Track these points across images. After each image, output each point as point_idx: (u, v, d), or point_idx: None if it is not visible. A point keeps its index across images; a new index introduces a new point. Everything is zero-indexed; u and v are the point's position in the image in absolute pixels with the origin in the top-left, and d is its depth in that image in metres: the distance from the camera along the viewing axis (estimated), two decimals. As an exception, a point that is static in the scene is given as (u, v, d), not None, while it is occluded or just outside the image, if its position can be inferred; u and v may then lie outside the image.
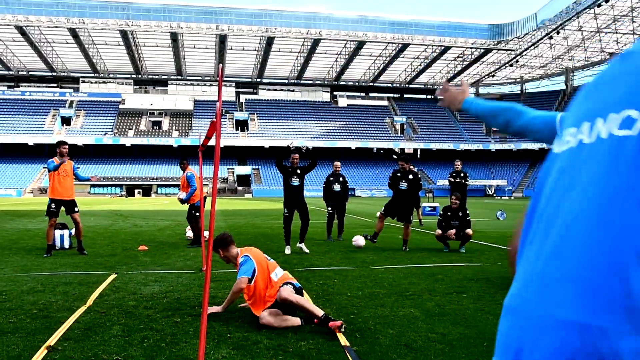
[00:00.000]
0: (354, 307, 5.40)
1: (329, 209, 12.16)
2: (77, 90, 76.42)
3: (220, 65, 3.47)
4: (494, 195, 66.21)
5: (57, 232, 9.96)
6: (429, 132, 77.33)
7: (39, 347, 3.99)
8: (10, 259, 8.68)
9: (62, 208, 9.27)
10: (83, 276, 7.07)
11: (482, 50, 69.82)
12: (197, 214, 10.67)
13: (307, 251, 9.63)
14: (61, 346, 4.04)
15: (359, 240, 10.42)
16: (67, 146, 9.40)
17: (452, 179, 14.73)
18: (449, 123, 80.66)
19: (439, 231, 10.08)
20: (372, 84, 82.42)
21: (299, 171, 9.92)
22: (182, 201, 10.78)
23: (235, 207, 31.66)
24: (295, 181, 9.83)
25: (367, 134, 75.47)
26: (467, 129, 79.07)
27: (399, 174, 10.31)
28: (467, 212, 10.11)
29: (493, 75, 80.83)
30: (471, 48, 68.99)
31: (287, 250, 9.62)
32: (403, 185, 10.19)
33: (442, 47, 68.11)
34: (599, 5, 55.73)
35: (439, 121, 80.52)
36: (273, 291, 4.88)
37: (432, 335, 4.42)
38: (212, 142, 5.48)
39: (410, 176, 10.27)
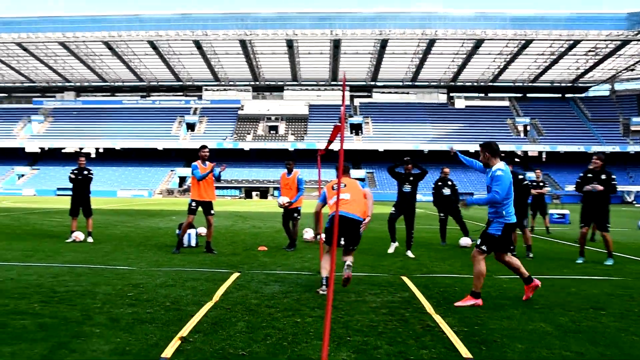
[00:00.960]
0: (477, 317, 5.19)
1: (441, 214, 12.13)
2: (200, 98, 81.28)
3: (343, 72, 3.54)
4: (634, 202, 60.64)
5: (188, 231, 10.61)
6: (555, 133, 72.20)
7: (172, 337, 4.26)
8: (145, 255, 9.39)
9: (200, 208, 9.80)
10: (209, 273, 7.45)
11: (618, 42, 63.01)
12: (299, 217, 10.72)
13: (413, 256, 9.59)
14: (192, 338, 4.28)
15: (463, 241, 10.88)
16: (207, 150, 10.05)
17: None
18: (579, 123, 74.56)
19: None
20: (491, 83, 78.80)
21: (411, 178, 10.15)
22: (285, 205, 10.26)
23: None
24: (407, 187, 10.00)
25: (487, 137, 71.76)
26: (600, 129, 72.34)
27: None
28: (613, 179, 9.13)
29: (632, 70, 72.87)
30: (605, 40, 62.65)
31: (391, 249, 9.69)
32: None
33: (571, 42, 62.95)
34: None
35: (567, 121, 74.70)
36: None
37: (567, 353, 4.10)
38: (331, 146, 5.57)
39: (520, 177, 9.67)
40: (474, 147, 69.56)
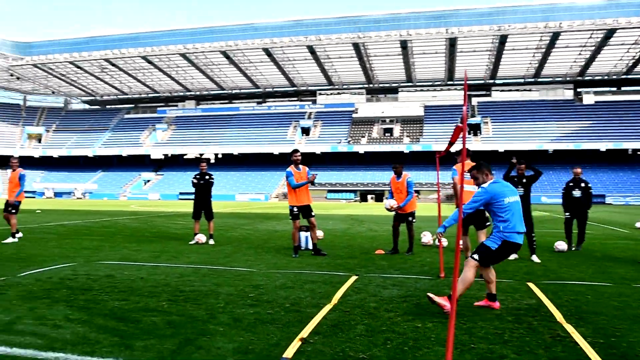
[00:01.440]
0: (614, 328, 4.78)
1: (567, 214, 11.48)
2: (314, 102, 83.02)
3: (465, 70, 3.36)
4: None
5: (302, 234, 10.78)
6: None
7: (293, 338, 4.31)
8: (264, 257, 9.66)
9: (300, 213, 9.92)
10: (327, 276, 7.49)
11: None
12: (414, 220, 10.36)
13: (539, 261, 9.16)
14: (312, 339, 4.31)
15: (560, 246, 10.57)
16: (299, 154, 10.15)
17: None
18: None
19: None
20: (625, 76, 72.38)
21: (524, 180, 9.82)
22: (393, 208, 10.03)
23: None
24: (520, 190, 9.52)
25: (620, 134, 66.33)
26: None
27: None
28: None
29: None
30: None
31: (513, 256, 9.13)
32: None
33: None
34: None
35: None
36: None
37: None
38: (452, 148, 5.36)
39: None
40: (605, 145, 64.64)
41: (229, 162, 77.03)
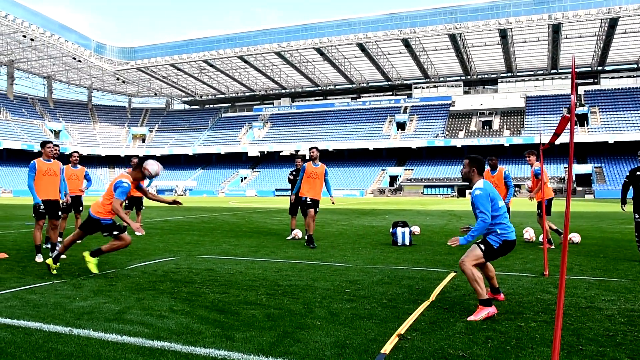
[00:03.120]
0: None
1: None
2: (410, 96, 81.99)
3: (573, 56, 3.15)
4: None
5: (399, 230, 10.69)
6: None
7: (390, 334, 4.29)
8: (360, 252, 9.68)
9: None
10: (425, 272, 7.37)
11: None
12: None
13: None
14: (410, 336, 4.26)
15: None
16: (315, 150, 11.14)
17: None
18: None
19: None
20: None
21: None
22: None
23: (576, 209, 29.18)
24: None
25: None
26: None
27: None
28: None
29: None
30: None
31: None
32: None
33: None
34: None
35: None
36: None
37: None
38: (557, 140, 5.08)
39: None
40: None
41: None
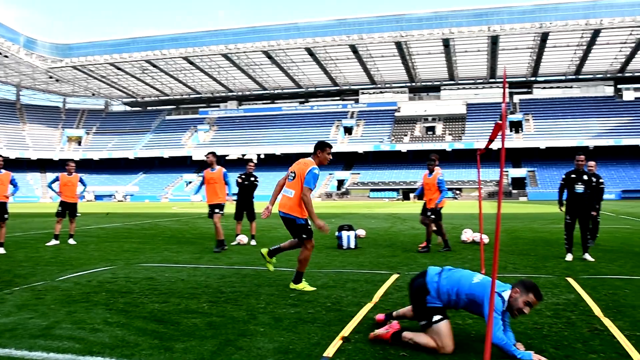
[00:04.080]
0: None
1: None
2: (357, 101, 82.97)
3: (504, 68, 3.30)
4: None
5: (345, 233, 10.78)
6: None
7: (334, 337, 4.32)
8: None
9: None
10: (369, 275, 7.48)
11: None
12: (434, 217, 10.17)
13: (592, 260, 8.84)
14: (353, 338, 4.31)
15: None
16: (210, 154, 11.21)
17: None
18: None
19: None
20: (666, 72, 70.47)
21: (585, 177, 9.12)
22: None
23: (511, 210, 30.34)
24: (579, 188, 9.02)
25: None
26: None
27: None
28: None
29: None
30: None
31: (569, 257, 8.90)
32: None
33: None
34: None
35: None
36: None
37: None
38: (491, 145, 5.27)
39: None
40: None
41: (271, 162, 77.67)
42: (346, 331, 4.49)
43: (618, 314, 5.11)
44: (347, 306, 5.46)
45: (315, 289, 6.34)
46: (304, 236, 6.41)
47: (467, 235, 11.97)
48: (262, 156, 78.12)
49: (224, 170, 10.97)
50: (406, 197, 65.67)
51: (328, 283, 6.82)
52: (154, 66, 76.40)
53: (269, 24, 69.16)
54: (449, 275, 4.22)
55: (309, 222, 6.45)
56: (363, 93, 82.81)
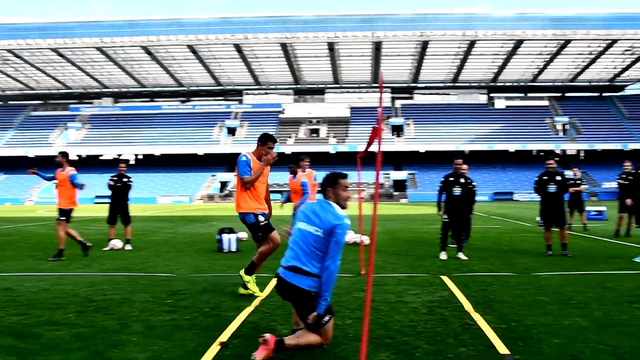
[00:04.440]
0: (515, 314, 5.23)
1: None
2: (241, 102, 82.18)
3: (381, 73, 3.38)
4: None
5: (225, 236, 10.59)
6: (593, 132, 70.54)
7: (211, 343, 4.22)
8: (186, 261, 9.39)
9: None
10: (249, 278, 7.40)
11: (655, 42, 62.11)
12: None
13: (465, 258, 9.35)
14: (232, 343, 4.25)
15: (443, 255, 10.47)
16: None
17: (621, 181, 13.47)
18: (616, 121, 72.95)
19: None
20: (531, 83, 77.60)
21: (462, 180, 9.68)
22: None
23: (392, 212, 31.65)
24: (457, 190, 9.57)
25: (526, 136, 71.11)
26: (636, 127, 70.91)
27: (545, 177, 9.75)
28: None
29: (667, 68, 71.37)
30: (641, 40, 61.66)
31: (443, 256, 9.37)
32: (551, 188, 9.64)
33: (609, 41, 61.91)
34: None
35: (604, 120, 73.22)
36: None
37: (602, 346, 4.15)
38: (370, 148, 5.41)
39: (558, 177, 9.67)
40: (514, 147, 68.87)
41: (150, 163, 74.66)
42: (224, 336, 4.41)
43: (487, 308, 5.45)
44: (226, 311, 5.36)
45: (259, 291, 6.18)
46: (260, 234, 6.20)
47: (349, 236, 12.21)
48: (140, 157, 74.64)
49: (71, 172, 9.96)
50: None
51: (207, 288, 6.66)
52: (18, 57, 69.75)
53: (149, 18, 66.10)
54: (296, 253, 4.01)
55: (260, 217, 6.18)
56: (247, 94, 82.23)
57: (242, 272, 6.09)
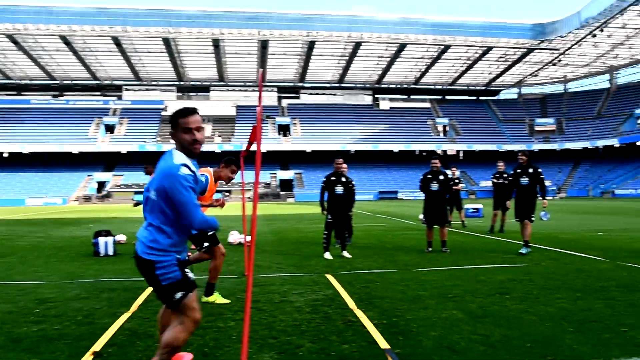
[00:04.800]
0: (396, 309, 5.40)
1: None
2: (120, 98, 78.29)
3: (260, 70, 3.36)
4: (538, 195, 64.51)
5: (102, 240, 10.05)
6: (471, 133, 75.99)
7: (84, 353, 4.00)
8: (57, 266, 8.78)
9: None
10: (128, 282, 7.08)
11: (524, 50, 68.23)
12: None
13: (349, 256, 9.53)
14: (106, 352, 4.06)
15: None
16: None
17: (495, 180, 14.58)
18: (492, 124, 79.11)
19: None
20: (414, 86, 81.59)
21: (343, 179, 9.88)
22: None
23: (278, 211, 31.74)
24: (339, 189, 9.77)
25: (410, 137, 74.69)
26: (509, 130, 77.44)
27: (429, 175, 10.22)
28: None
29: (536, 75, 78.80)
30: (514, 48, 67.51)
31: (327, 255, 9.49)
32: (434, 186, 10.11)
33: (484, 48, 66.99)
34: (645, 2, 53.84)
35: (481, 122, 79.03)
36: None
37: (475, 336, 4.40)
38: (253, 147, 5.40)
39: (441, 177, 10.19)
40: (397, 147, 71.92)
41: (17, 162, 68.62)
42: (98, 345, 4.18)
43: (369, 305, 5.58)
44: (101, 318, 5.09)
45: (229, 301, 5.81)
46: (206, 244, 5.81)
47: (234, 237, 12.11)
48: (6, 155, 68.27)
49: None
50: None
51: (80, 295, 6.26)
52: None
53: (15, 4, 60.68)
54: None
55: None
56: (127, 89, 78.46)
57: (204, 298, 5.81)
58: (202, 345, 4.21)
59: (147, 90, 78.62)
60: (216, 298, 5.90)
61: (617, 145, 68.49)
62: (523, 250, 9.68)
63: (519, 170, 10.26)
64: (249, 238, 9.48)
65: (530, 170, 10.10)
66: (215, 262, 5.86)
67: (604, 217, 21.25)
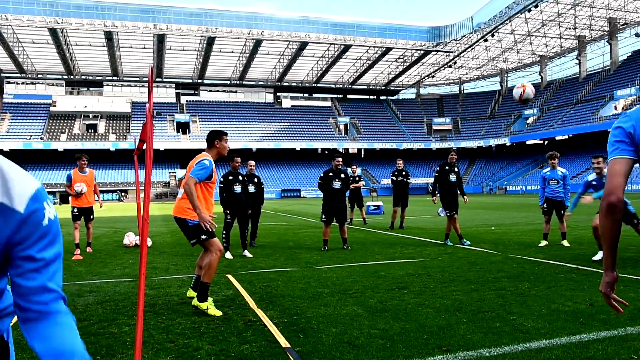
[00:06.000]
0: (297, 307, 5.39)
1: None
2: (1, 91, 72.50)
3: (151, 65, 3.26)
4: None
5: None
6: (372, 132, 78.22)
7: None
8: None
9: None
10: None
11: (422, 52, 71.27)
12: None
13: (251, 256, 9.50)
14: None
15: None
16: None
17: (394, 178, 15.05)
18: (392, 123, 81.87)
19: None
20: (315, 84, 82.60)
21: (240, 177, 9.87)
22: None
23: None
24: (238, 188, 9.71)
25: (312, 135, 75.55)
26: (409, 129, 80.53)
27: (331, 173, 10.30)
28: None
29: (433, 76, 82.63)
30: (411, 49, 70.27)
31: (228, 255, 9.38)
32: (336, 184, 10.22)
33: (384, 49, 69.13)
34: (529, 10, 58.31)
35: (381, 121, 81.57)
36: None
37: (374, 331, 4.47)
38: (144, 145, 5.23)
39: (342, 175, 10.34)
40: (299, 145, 72.51)
41: None
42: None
43: (270, 304, 5.55)
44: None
45: (221, 313, 5.17)
46: (203, 237, 5.30)
47: (130, 238, 11.73)
48: None
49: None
50: (65, 200, 60.63)
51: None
52: None
53: None
54: None
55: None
56: (9, 83, 72.79)
57: (195, 302, 5.28)
58: (93, 353, 4.01)
59: (32, 84, 73.41)
60: (209, 306, 5.21)
61: (509, 144, 73.47)
62: (465, 243, 10.39)
63: (447, 168, 10.76)
64: (139, 239, 9.24)
65: (456, 169, 10.77)
66: (211, 258, 5.33)
67: (496, 212, 22.46)
